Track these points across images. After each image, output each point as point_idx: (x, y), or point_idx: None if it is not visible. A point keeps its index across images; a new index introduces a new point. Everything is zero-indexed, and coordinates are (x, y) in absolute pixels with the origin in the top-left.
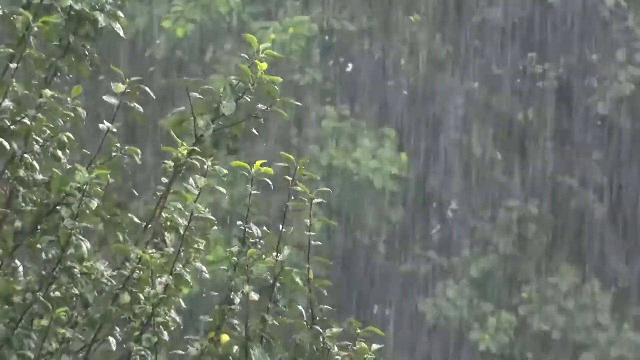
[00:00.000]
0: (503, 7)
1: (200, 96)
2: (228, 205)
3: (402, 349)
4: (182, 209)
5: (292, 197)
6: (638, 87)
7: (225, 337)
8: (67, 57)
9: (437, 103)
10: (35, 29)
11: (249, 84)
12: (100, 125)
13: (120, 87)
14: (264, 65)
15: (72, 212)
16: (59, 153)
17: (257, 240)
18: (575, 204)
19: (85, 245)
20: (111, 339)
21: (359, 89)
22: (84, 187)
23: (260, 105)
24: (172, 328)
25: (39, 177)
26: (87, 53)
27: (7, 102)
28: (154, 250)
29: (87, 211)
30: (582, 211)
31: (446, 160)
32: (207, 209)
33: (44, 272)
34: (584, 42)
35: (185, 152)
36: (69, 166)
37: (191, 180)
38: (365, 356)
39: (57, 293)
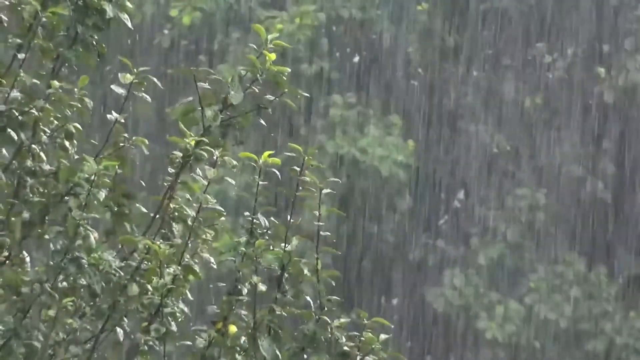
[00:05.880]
0: None
1: (208, 86)
2: (235, 195)
3: (409, 338)
4: (190, 199)
5: (301, 187)
6: None
7: (233, 328)
8: (75, 48)
9: (445, 91)
10: (43, 19)
11: (258, 75)
12: (108, 116)
13: (128, 78)
14: (273, 56)
15: (80, 203)
16: (67, 144)
17: (265, 230)
18: (583, 193)
19: (93, 236)
20: (119, 330)
21: (366, 77)
22: (92, 177)
23: (268, 96)
24: (180, 319)
25: (47, 167)
26: (94, 43)
27: (15, 93)
28: (162, 241)
29: (95, 202)
30: (589, 200)
31: (454, 149)
32: (215, 200)
33: (51, 263)
34: (593, 31)
35: (193, 142)
36: (76, 157)
37: (199, 171)
38: (373, 346)
39: (64, 284)
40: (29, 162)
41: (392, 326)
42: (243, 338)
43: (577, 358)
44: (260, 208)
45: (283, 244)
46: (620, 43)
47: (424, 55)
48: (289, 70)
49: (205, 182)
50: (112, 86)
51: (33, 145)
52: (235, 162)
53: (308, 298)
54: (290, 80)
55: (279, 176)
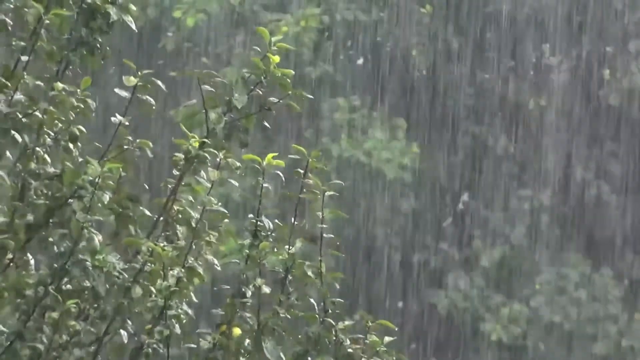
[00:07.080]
0: None
1: (212, 89)
2: (240, 197)
3: (414, 341)
4: (194, 201)
5: (304, 190)
6: None
7: (237, 331)
8: (79, 50)
9: (449, 94)
10: (47, 21)
11: (262, 77)
12: (112, 118)
13: (132, 80)
14: (277, 58)
15: (84, 205)
16: (71, 146)
17: (269, 233)
18: (588, 195)
19: (97, 239)
20: (123, 332)
21: (370, 80)
22: (96, 180)
23: (272, 98)
24: (184, 321)
25: (51, 170)
26: (98, 46)
27: (18, 95)
28: (165, 244)
29: (99, 204)
30: (594, 202)
31: (458, 151)
32: (219, 202)
33: (55, 265)
34: (597, 33)
35: (197, 144)
36: (80, 159)
37: (203, 173)
38: (377, 349)
39: (69, 286)
40: (33, 165)
41: (397, 329)
42: (247, 341)
43: None
44: (264, 210)
45: (287, 247)
46: (624, 45)
47: (428, 58)
48: (293, 73)
49: (209, 185)
50: (116, 89)
51: (37, 148)
52: (238, 164)
53: (312, 300)
54: (294, 82)
55: (283, 179)
